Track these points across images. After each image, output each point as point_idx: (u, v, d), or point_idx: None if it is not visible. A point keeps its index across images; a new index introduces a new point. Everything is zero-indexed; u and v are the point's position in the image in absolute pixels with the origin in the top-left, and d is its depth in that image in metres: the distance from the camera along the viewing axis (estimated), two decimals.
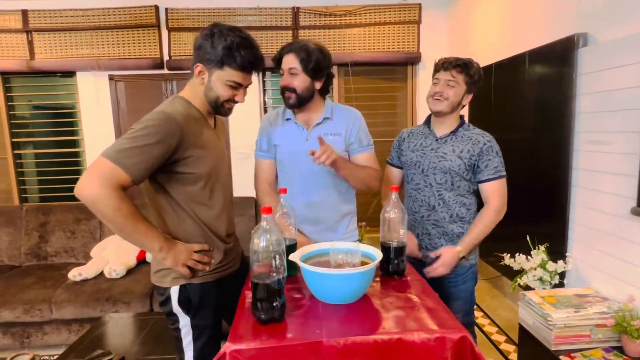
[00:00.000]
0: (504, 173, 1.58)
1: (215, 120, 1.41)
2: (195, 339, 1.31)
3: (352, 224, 1.69)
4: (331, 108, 1.59)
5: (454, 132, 1.61)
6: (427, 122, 1.70)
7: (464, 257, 1.57)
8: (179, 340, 1.32)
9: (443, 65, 1.56)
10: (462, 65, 1.55)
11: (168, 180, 1.23)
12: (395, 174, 1.78)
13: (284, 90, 1.51)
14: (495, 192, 1.56)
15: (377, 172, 1.60)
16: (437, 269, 1.54)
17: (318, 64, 1.47)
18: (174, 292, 1.27)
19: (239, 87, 1.27)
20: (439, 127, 1.64)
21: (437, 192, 1.61)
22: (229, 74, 1.23)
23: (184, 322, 1.30)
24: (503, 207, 1.57)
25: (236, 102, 1.32)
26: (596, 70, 2.00)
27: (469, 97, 1.61)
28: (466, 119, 3.55)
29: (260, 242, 1.02)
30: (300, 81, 1.48)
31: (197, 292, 1.28)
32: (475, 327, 2.61)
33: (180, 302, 1.27)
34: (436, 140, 1.63)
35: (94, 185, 1.05)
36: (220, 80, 1.24)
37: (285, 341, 0.97)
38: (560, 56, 2.24)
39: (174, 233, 1.26)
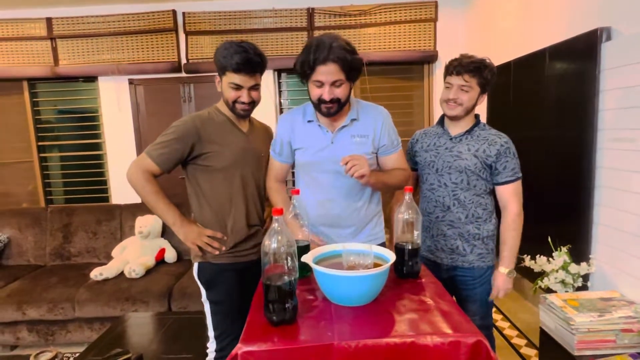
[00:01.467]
0: (521, 174, 1.57)
1: (252, 124, 1.64)
2: (213, 313, 1.55)
3: (378, 225, 1.61)
4: (357, 108, 1.50)
5: (469, 131, 1.58)
6: (441, 121, 1.67)
7: (510, 271, 1.58)
8: (204, 313, 1.59)
9: (455, 70, 1.51)
10: (475, 69, 1.50)
11: (195, 172, 1.53)
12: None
13: (324, 102, 1.37)
14: (513, 196, 1.55)
15: (407, 173, 1.57)
16: (499, 295, 1.59)
17: (358, 67, 1.38)
18: (195, 266, 1.57)
19: (240, 88, 1.47)
20: (454, 127, 1.61)
21: (452, 192, 1.58)
22: (229, 78, 1.46)
23: (204, 295, 1.57)
24: (521, 210, 1.58)
25: (245, 103, 1.49)
26: (621, 65, 1.92)
27: (484, 97, 1.58)
28: (484, 117, 3.50)
29: (272, 243, 1.02)
30: (344, 90, 1.38)
31: (210, 270, 1.54)
32: (495, 331, 2.56)
33: (198, 275, 1.56)
34: (450, 139, 1.60)
35: (131, 169, 1.46)
36: (225, 84, 1.48)
37: (297, 343, 0.97)
38: (582, 51, 2.16)
39: (195, 217, 1.55)
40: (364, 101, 1.57)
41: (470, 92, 1.51)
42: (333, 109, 1.40)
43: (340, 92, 1.37)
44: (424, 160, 1.64)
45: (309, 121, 1.50)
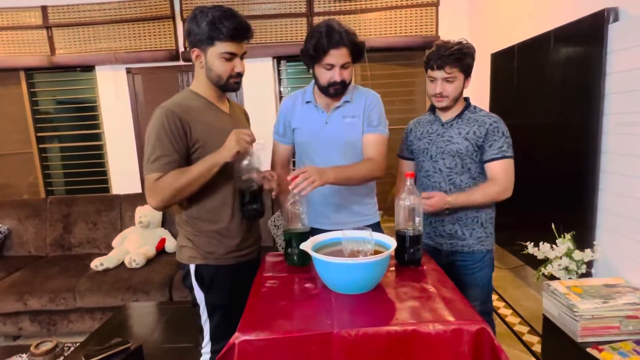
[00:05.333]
0: (510, 154, 1.53)
1: (230, 103, 1.48)
2: (210, 316, 1.41)
3: (374, 202, 1.68)
4: (352, 91, 1.56)
5: (459, 115, 1.58)
6: (432, 108, 1.67)
7: (447, 210, 1.52)
8: (199, 317, 1.43)
9: (436, 64, 1.48)
10: (455, 60, 1.47)
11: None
12: (407, 166, 1.74)
13: (334, 84, 1.44)
14: (500, 173, 1.51)
15: (376, 163, 1.51)
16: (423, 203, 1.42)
17: (362, 50, 1.47)
18: (192, 268, 1.39)
19: (234, 57, 1.30)
20: (444, 113, 1.62)
21: (447, 177, 1.58)
22: (221, 47, 1.27)
23: (200, 297, 1.40)
24: (508, 189, 1.52)
25: (239, 75, 1.34)
26: (628, 47, 1.87)
27: (469, 80, 1.56)
28: (487, 102, 3.43)
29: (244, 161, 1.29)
30: (350, 73, 1.47)
31: (210, 272, 1.38)
32: (497, 318, 2.55)
33: (196, 278, 1.39)
34: (442, 125, 1.61)
35: (150, 202, 1.27)
36: (214, 56, 1.29)
37: (296, 332, 0.95)
38: (588, 33, 2.11)
39: (191, 216, 1.37)
40: (361, 87, 1.63)
41: (455, 82, 1.50)
42: (340, 90, 1.48)
43: (347, 74, 1.45)
44: (419, 149, 1.65)
45: (307, 102, 1.57)
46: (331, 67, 1.42)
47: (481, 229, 1.60)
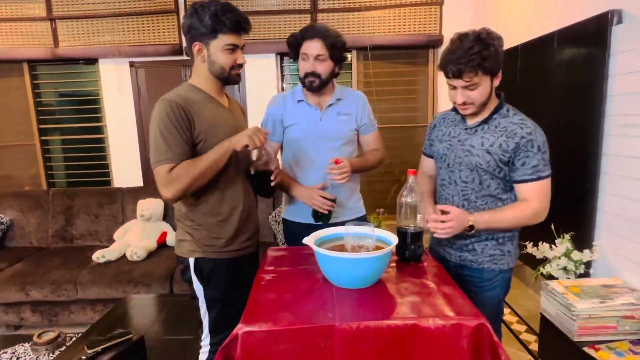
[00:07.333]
0: (547, 173, 1.30)
1: (228, 97, 1.50)
2: (209, 308, 1.42)
3: (359, 197, 1.81)
4: (340, 90, 1.70)
5: (486, 120, 1.33)
6: None
7: (471, 232, 1.27)
8: (198, 310, 1.45)
9: (452, 74, 1.24)
10: (474, 66, 1.21)
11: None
12: (428, 164, 1.57)
13: (308, 75, 1.56)
14: (533, 196, 1.29)
15: (379, 153, 1.78)
16: (433, 225, 1.25)
17: (342, 51, 1.58)
18: (191, 262, 1.40)
19: (236, 49, 1.35)
20: (471, 115, 1.36)
21: (461, 191, 1.38)
22: (224, 39, 1.31)
23: (199, 291, 1.42)
24: (544, 211, 1.31)
25: (240, 66, 1.39)
26: (632, 49, 1.88)
27: (498, 77, 1.30)
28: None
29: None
30: (326, 67, 1.56)
31: (209, 265, 1.40)
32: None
33: (195, 271, 1.40)
34: (465, 129, 1.37)
35: (165, 193, 1.27)
36: (218, 48, 1.32)
37: (298, 324, 0.97)
38: (592, 35, 2.11)
39: (192, 209, 1.38)
40: (345, 87, 1.79)
41: (479, 88, 1.26)
42: (315, 84, 1.57)
43: (322, 68, 1.55)
44: (438, 152, 1.45)
45: (299, 101, 1.66)
46: (306, 56, 1.55)
47: (496, 245, 1.38)
